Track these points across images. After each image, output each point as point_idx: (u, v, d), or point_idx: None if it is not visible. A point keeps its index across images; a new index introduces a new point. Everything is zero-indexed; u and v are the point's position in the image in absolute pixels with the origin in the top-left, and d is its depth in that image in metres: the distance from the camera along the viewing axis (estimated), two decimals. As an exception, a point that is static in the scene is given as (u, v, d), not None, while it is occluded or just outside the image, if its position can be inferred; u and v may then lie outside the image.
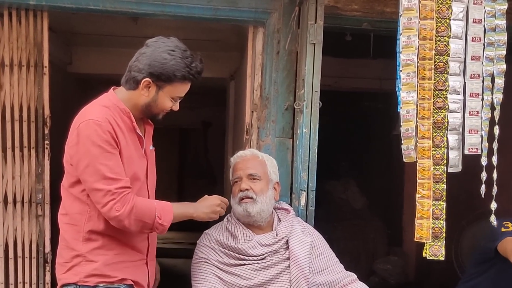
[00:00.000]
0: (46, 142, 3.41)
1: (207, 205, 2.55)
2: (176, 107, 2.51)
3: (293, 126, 3.33)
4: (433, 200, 2.72)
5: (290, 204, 3.20)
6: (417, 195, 2.71)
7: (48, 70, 3.44)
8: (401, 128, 2.71)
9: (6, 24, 3.37)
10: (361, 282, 2.84)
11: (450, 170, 2.75)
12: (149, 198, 2.51)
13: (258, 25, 3.44)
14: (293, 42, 3.33)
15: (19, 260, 3.39)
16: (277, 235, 2.77)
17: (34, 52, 3.43)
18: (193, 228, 4.21)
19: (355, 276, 2.87)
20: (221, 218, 2.72)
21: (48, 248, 3.41)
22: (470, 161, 2.80)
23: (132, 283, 2.42)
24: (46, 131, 3.41)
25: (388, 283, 5.76)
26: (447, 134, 2.73)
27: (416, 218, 2.71)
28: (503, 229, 3.17)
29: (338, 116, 6.94)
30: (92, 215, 2.36)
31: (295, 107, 3.21)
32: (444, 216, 2.73)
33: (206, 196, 2.62)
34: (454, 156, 2.76)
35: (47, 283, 3.41)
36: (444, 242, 2.74)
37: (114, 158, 2.31)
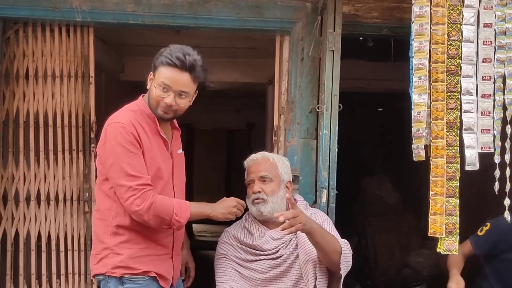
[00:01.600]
0: (92, 145, 3.51)
1: (225, 206, 2.57)
2: (169, 100, 2.43)
3: (317, 128, 3.34)
4: (446, 197, 2.68)
5: (315, 201, 3.21)
6: (431, 193, 2.68)
7: (94, 80, 3.55)
8: (412, 128, 2.68)
9: (56, 39, 3.50)
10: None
11: (467, 168, 2.70)
12: (174, 197, 2.54)
13: (284, 34, 3.47)
14: (316, 49, 3.34)
15: (69, 253, 3.50)
16: None
17: (82, 64, 3.55)
18: (230, 223, 4.27)
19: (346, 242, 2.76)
20: (238, 218, 2.75)
21: (94, 242, 3.52)
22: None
23: (155, 275, 2.46)
24: (92, 135, 3.52)
25: (421, 275, 5.65)
26: (460, 133, 2.69)
27: (429, 214, 2.68)
28: (479, 232, 3.20)
29: (372, 116, 6.88)
30: (119, 211, 2.43)
31: (317, 110, 3.22)
32: (457, 212, 2.68)
33: (225, 198, 2.64)
34: (471, 155, 2.70)
35: (93, 273, 3.52)
36: (457, 237, 2.69)
37: (136, 157, 2.38)
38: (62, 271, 3.49)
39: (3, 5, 3.35)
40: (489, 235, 3.17)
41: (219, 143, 11.24)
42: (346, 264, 2.60)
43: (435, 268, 5.70)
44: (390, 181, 6.43)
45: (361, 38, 3.44)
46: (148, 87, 2.52)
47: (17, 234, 3.48)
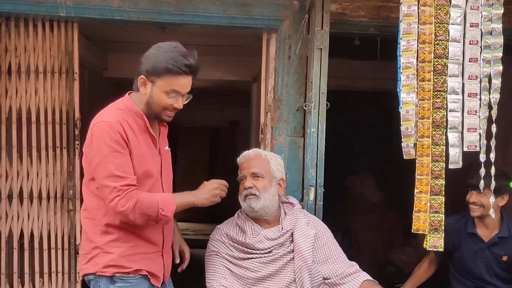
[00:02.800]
0: (77, 142, 3.47)
1: (206, 191, 2.52)
2: (179, 104, 2.43)
3: (304, 126, 3.35)
4: (432, 195, 2.70)
5: (302, 199, 3.22)
6: (415, 190, 2.71)
7: (78, 76, 3.51)
8: (401, 127, 2.69)
9: (40, 34, 3.46)
10: (363, 272, 2.82)
11: (451, 166, 2.73)
12: (163, 189, 2.52)
13: (271, 32, 3.47)
14: (303, 47, 3.34)
15: (53, 251, 3.46)
16: (282, 229, 2.78)
17: (66, 59, 3.51)
18: (219, 221, 4.25)
19: (357, 265, 2.85)
20: (231, 213, 2.73)
21: (78, 240, 3.47)
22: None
23: (146, 273, 2.44)
24: (77, 132, 3.48)
25: (404, 273, 5.68)
26: (446, 132, 2.71)
27: (413, 212, 2.71)
28: None
29: (357, 115, 6.90)
30: (108, 209, 2.39)
31: (305, 108, 3.22)
32: (443, 210, 2.71)
33: (205, 182, 2.59)
34: (455, 153, 2.73)
35: (78, 273, 3.47)
36: (443, 234, 2.72)
37: (123, 157, 2.34)
38: (46, 269, 3.46)
39: (-15, -1, 3.31)
40: None
41: (203, 141, 11.20)
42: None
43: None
44: (374, 179, 6.46)
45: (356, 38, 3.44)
46: (143, 91, 2.43)
47: (-2, 232, 3.44)
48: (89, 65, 5.18)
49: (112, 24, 3.82)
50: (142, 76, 2.40)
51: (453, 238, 3.29)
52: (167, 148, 2.65)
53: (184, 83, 2.41)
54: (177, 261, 2.74)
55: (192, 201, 2.51)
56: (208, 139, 11.10)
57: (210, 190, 2.53)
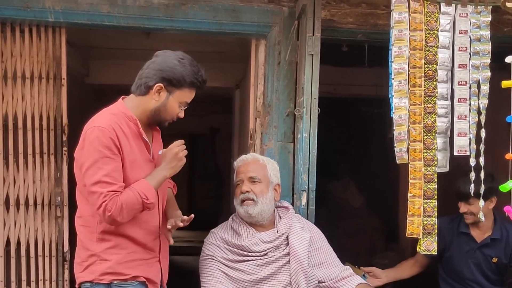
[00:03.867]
0: (65, 148, 3.44)
1: (170, 159, 2.44)
2: (182, 114, 2.51)
3: (294, 131, 3.36)
4: (425, 199, 2.73)
5: (292, 204, 3.22)
6: (409, 194, 2.72)
7: (66, 82, 3.48)
8: (394, 131, 2.72)
9: (27, 39, 3.42)
10: (357, 275, 2.86)
11: (438, 170, 2.77)
12: (158, 199, 2.50)
13: (260, 38, 3.48)
14: (293, 53, 3.36)
15: (40, 259, 3.41)
16: (277, 232, 2.79)
17: (53, 65, 3.47)
18: (204, 228, 4.24)
19: (351, 269, 2.89)
20: (226, 218, 2.72)
21: (66, 248, 3.44)
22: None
23: (144, 280, 2.42)
24: (64, 138, 3.45)
25: (386, 277, 5.75)
26: (436, 137, 2.75)
27: (407, 216, 2.73)
28: None
29: (338, 121, 6.96)
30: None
31: (296, 113, 3.24)
32: (436, 214, 2.74)
33: (163, 150, 2.51)
34: (442, 157, 2.77)
35: (66, 280, 3.44)
36: (436, 238, 2.75)
37: (113, 163, 2.32)
38: (33, 277, 3.40)
39: (-30, 3, 3.26)
40: None
41: (182, 148, 11.14)
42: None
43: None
44: (356, 185, 6.52)
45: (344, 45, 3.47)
46: (155, 98, 2.42)
47: (-15, 240, 3.37)
48: (71, 71, 5.07)
49: (95, 30, 3.80)
50: (160, 84, 2.41)
51: (446, 237, 3.33)
52: (160, 152, 2.63)
53: (193, 96, 2.50)
54: (171, 242, 2.59)
55: (163, 175, 2.43)
56: (188, 146, 11.05)
57: (173, 156, 2.44)
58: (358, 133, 6.97)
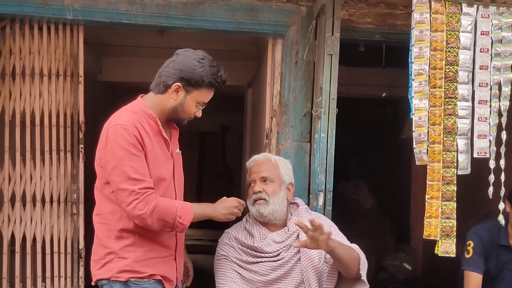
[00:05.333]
0: (81, 145, 3.45)
1: (225, 207, 2.54)
2: (200, 113, 2.53)
3: (310, 131, 3.35)
4: (444, 201, 2.71)
5: (308, 205, 3.21)
6: (427, 196, 2.71)
7: (83, 79, 3.48)
8: (413, 133, 2.71)
9: (45, 37, 3.42)
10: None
11: (459, 172, 2.75)
12: (176, 198, 2.51)
13: (278, 37, 3.47)
14: (311, 53, 3.35)
15: (55, 256, 3.42)
16: (288, 231, 2.77)
17: (71, 62, 3.48)
18: (213, 226, 4.23)
19: (357, 246, 2.76)
20: (239, 218, 2.72)
21: (82, 244, 3.44)
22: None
23: (161, 278, 2.43)
24: (81, 136, 3.46)
25: (397, 278, 5.73)
26: (456, 138, 2.73)
27: (425, 217, 2.71)
28: (466, 255, 3.26)
29: (350, 121, 6.94)
30: (123, 214, 2.38)
31: (313, 113, 3.22)
32: (455, 216, 2.72)
33: (225, 197, 2.61)
34: (463, 159, 2.75)
35: (81, 277, 3.45)
36: (455, 240, 2.73)
37: (139, 160, 2.33)
38: (48, 274, 3.41)
39: (-10, 0, 3.26)
40: (478, 250, 3.26)
41: (191, 145, 11.14)
42: (364, 267, 2.66)
43: (411, 271, 5.80)
44: (367, 185, 6.50)
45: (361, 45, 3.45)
46: (173, 97, 2.45)
47: (0, 236, 3.38)
48: (85, 68, 5.12)
49: (109, 28, 3.79)
50: (178, 83, 2.42)
51: (488, 249, 3.25)
52: (178, 150, 2.64)
53: (211, 96, 2.51)
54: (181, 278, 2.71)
55: (210, 213, 2.51)
56: (197, 143, 11.08)
57: (229, 208, 2.54)
58: (370, 133, 6.94)
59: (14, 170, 3.40)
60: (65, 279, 3.42)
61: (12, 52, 3.40)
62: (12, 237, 3.39)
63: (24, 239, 3.40)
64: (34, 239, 3.41)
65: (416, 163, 2.72)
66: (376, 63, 5.28)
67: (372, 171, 6.91)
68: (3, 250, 3.38)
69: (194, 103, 2.46)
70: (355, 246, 2.70)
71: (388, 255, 5.95)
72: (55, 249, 3.42)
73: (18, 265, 3.39)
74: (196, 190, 10.76)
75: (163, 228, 2.38)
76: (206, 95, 2.48)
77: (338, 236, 2.81)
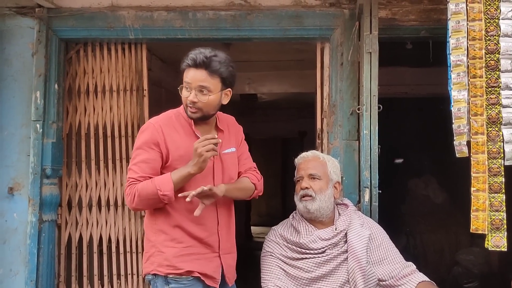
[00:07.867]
0: (147, 153, 3.43)
1: (193, 156, 2.26)
2: (191, 97, 2.29)
3: (358, 129, 3.14)
4: (492, 193, 2.41)
5: (359, 201, 3.01)
6: (472, 189, 2.43)
7: (147, 93, 3.48)
8: (453, 125, 2.45)
9: (113, 56, 3.47)
10: (420, 273, 2.56)
11: (507, 163, 2.44)
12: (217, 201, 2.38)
13: (324, 41, 3.31)
14: (355, 53, 3.15)
15: (128, 255, 3.42)
16: (336, 229, 2.58)
17: (136, 78, 3.50)
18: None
19: (414, 266, 2.59)
20: (285, 216, 2.56)
21: (151, 244, 3.43)
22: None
23: (199, 275, 2.32)
24: (147, 144, 3.45)
25: (472, 273, 5.29)
26: (502, 128, 2.43)
27: (471, 211, 2.43)
28: None
29: (419, 120, 6.58)
30: (162, 209, 2.33)
31: (357, 111, 3.02)
32: (504, 208, 2.41)
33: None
34: (510, 150, 2.44)
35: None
36: (505, 233, 2.42)
37: (145, 154, 2.32)
38: (122, 272, 3.42)
39: (65, 28, 3.36)
40: None
41: (274, 151, 11.09)
42: None
43: (486, 265, 5.34)
44: (437, 181, 6.09)
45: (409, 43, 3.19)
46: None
47: (80, 237, 3.45)
48: (166, 85, 5.19)
49: (181, 45, 3.77)
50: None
51: None
52: (228, 150, 2.50)
53: (193, 75, 2.30)
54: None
55: (187, 171, 2.27)
56: (280, 149, 11.02)
57: (193, 153, 2.26)
58: (439, 131, 6.51)
59: (91, 178, 3.46)
60: (137, 276, 3.42)
61: (86, 72, 3.48)
62: (90, 238, 3.44)
63: (100, 240, 3.44)
64: (109, 240, 3.44)
65: (456, 155, 2.45)
66: (438, 62, 4.93)
67: (443, 166, 6.47)
68: (83, 250, 3.43)
69: (182, 88, 2.35)
70: (411, 265, 2.59)
71: (461, 250, 5.51)
72: (127, 249, 3.43)
73: (96, 264, 3.43)
74: (281, 191, 10.69)
75: (153, 206, 2.32)
76: (185, 75, 2.33)
77: (389, 248, 2.61)
